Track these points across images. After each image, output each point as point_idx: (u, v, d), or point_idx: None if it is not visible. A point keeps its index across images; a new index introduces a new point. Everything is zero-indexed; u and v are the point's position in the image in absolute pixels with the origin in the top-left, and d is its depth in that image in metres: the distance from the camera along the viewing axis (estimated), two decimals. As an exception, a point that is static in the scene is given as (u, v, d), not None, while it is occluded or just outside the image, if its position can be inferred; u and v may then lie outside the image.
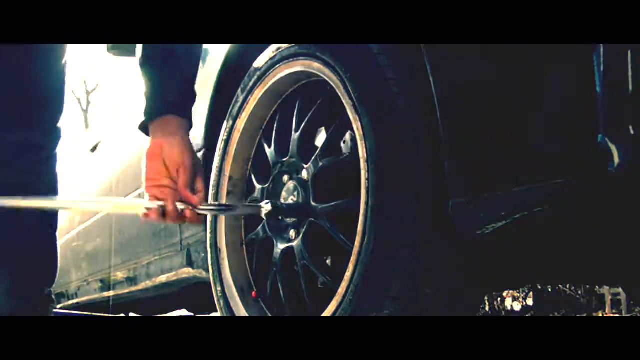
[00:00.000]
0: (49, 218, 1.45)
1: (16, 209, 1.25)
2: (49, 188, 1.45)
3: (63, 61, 1.45)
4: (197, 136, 1.60)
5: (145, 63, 1.18)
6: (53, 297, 1.52)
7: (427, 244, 0.94)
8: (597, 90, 0.69)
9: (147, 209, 1.11)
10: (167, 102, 1.16)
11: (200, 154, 1.59)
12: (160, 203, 1.11)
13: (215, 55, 1.55)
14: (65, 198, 1.11)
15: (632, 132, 0.67)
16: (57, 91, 1.43)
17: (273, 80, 1.33)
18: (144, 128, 1.18)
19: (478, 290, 1.09)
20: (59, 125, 1.44)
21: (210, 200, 1.46)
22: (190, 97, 1.21)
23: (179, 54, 1.17)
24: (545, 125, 0.76)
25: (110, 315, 2.95)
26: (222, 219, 1.44)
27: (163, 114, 1.15)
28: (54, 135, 1.43)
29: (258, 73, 1.37)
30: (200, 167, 1.19)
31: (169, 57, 1.16)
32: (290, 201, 1.24)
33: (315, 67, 1.18)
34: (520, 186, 0.78)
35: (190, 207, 1.12)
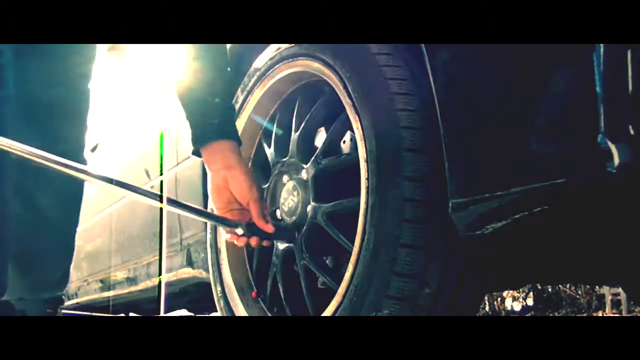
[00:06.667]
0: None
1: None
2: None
3: (88, 67, 1.37)
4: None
5: (182, 91, 1.15)
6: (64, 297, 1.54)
7: (427, 243, 0.94)
8: (596, 90, 0.69)
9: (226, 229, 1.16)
10: (213, 126, 1.12)
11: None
12: (236, 229, 1.13)
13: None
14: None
15: (631, 132, 0.67)
16: (81, 94, 1.37)
17: (273, 81, 1.33)
18: (197, 153, 1.15)
19: (478, 290, 1.08)
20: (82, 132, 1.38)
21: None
22: (232, 114, 1.17)
23: (209, 77, 1.14)
24: (545, 125, 0.76)
25: (110, 315, 2.95)
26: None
27: (212, 139, 1.12)
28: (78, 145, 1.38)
29: (258, 73, 1.37)
30: (262, 192, 1.19)
31: (202, 81, 1.13)
32: (290, 201, 1.24)
33: (315, 67, 1.18)
34: (520, 186, 0.78)
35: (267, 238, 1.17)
